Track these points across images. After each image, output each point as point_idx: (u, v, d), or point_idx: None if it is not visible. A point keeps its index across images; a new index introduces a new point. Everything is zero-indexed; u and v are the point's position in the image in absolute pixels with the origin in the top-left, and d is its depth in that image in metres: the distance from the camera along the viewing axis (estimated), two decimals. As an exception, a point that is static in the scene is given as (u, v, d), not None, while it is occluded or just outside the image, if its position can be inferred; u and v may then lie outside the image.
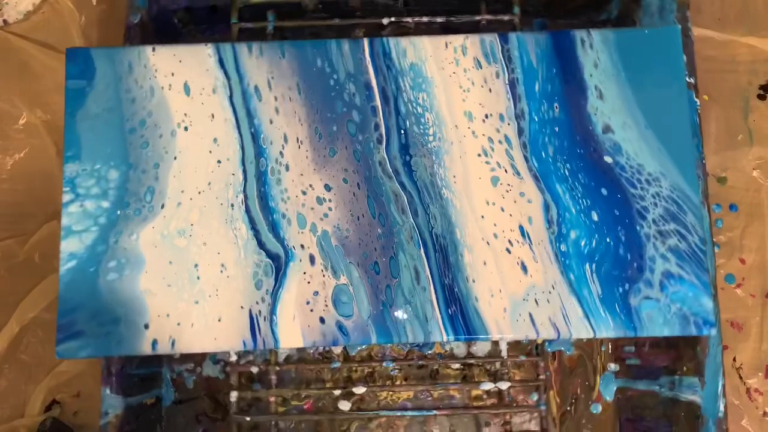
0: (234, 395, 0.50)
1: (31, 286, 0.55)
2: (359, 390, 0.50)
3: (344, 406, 0.52)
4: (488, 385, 0.50)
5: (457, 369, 0.54)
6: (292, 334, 0.42)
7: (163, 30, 0.55)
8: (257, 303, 0.42)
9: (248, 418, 0.50)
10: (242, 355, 0.50)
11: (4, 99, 0.58)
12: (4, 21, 0.59)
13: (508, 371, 0.51)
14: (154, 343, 0.41)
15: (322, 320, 0.42)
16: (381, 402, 0.53)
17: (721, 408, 0.45)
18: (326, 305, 0.42)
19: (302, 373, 0.54)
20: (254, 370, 0.51)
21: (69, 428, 0.52)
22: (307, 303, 0.42)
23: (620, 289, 0.42)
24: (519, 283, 0.43)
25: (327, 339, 0.42)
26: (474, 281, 0.43)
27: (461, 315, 0.42)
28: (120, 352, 0.41)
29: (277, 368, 0.51)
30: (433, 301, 0.42)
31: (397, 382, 0.54)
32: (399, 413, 0.50)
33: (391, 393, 0.54)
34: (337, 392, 0.51)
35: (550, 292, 0.42)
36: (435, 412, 0.50)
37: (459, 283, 0.43)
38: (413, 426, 0.53)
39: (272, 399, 0.51)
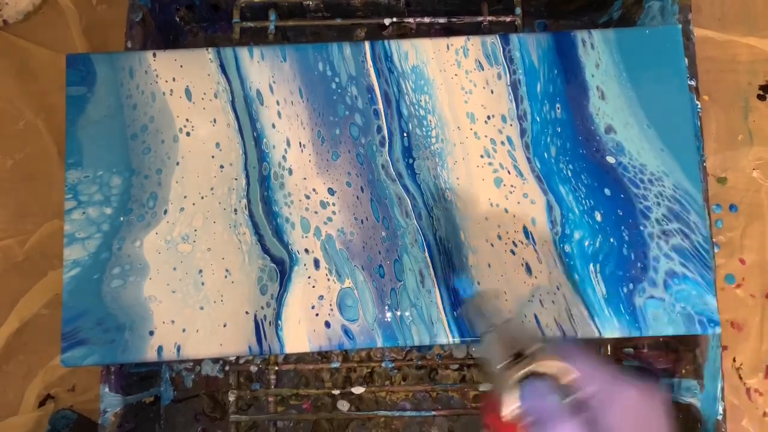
0: (233, 394, 0.50)
1: (31, 285, 0.55)
2: (358, 390, 0.51)
3: (343, 406, 0.52)
4: (487, 386, 0.50)
5: (456, 370, 0.54)
6: (297, 338, 0.42)
7: (165, 28, 0.55)
8: (262, 308, 0.42)
9: (247, 418, 0.50)
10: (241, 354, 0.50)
11: (4, 99, 0.58)
12: (4, 21, 0.58)
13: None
14: (160, 349, 0.41)
15: (327, 324, 0.42)
16: (380, 402, 0.53)
17: (720, 411, 0.45)
18: (331, 309, 0.42)
19: (301, 373, 0.54)
20: (253, 369, 0.51)
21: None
22: (312, 307, 0.42)
23: (625, 289, 0.42)
24: (524, 284, 0.43)
25: (333, 343, 0.42)
26: (479, 283, 0.43)
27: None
28: (125, 359, 0.41)
29: (276, 368, 0.51)
30: (438, 303, 0.42)
31: (396, 383, 0.54)
32: (398, 414, 0.51)
33: (389, 393, 0.54)
34: (336, 392, 0.51)
35: (555, 293, 0.42)
36: (433, 412, 0.50)
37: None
38: (412, 426, 0.53)
39: (271, 398, 0.51)
